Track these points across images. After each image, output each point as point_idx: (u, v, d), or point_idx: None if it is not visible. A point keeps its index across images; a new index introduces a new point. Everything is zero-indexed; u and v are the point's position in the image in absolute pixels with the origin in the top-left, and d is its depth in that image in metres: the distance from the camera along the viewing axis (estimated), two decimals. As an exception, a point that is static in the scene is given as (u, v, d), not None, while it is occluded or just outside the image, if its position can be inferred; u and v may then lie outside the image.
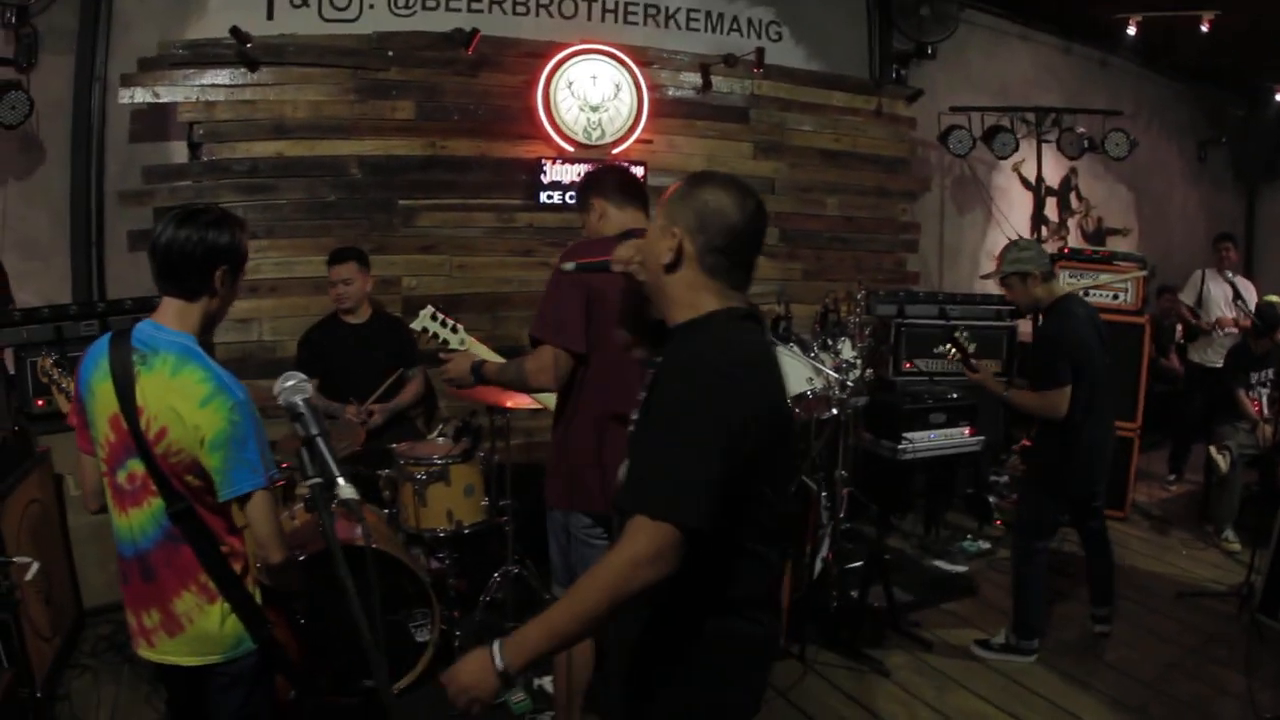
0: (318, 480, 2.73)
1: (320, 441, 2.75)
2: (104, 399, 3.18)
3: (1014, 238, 10.90)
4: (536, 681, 5.58)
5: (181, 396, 3.09)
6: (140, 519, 3.22)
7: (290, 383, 2.83)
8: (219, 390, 3.10)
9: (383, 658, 2.68)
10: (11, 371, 6.39)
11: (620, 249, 3.06)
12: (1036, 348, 6.14)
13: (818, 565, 6.58)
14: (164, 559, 3.23)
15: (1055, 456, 5.98)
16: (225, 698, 3.34)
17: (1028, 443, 7.50)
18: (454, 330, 5.21)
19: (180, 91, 7.18)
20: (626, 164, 8.07)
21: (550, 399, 4.77)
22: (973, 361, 6.33)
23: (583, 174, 5.23)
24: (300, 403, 2.79)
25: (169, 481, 3.14)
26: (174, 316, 3.24)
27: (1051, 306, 5.94)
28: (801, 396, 6.04)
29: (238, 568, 3.30)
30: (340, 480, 2.70)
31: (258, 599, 3.35)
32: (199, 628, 3.24)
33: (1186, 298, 10.54)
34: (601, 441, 4.46)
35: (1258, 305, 9.28)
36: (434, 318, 5.12)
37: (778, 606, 3.21)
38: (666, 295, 2.82)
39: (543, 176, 8.23)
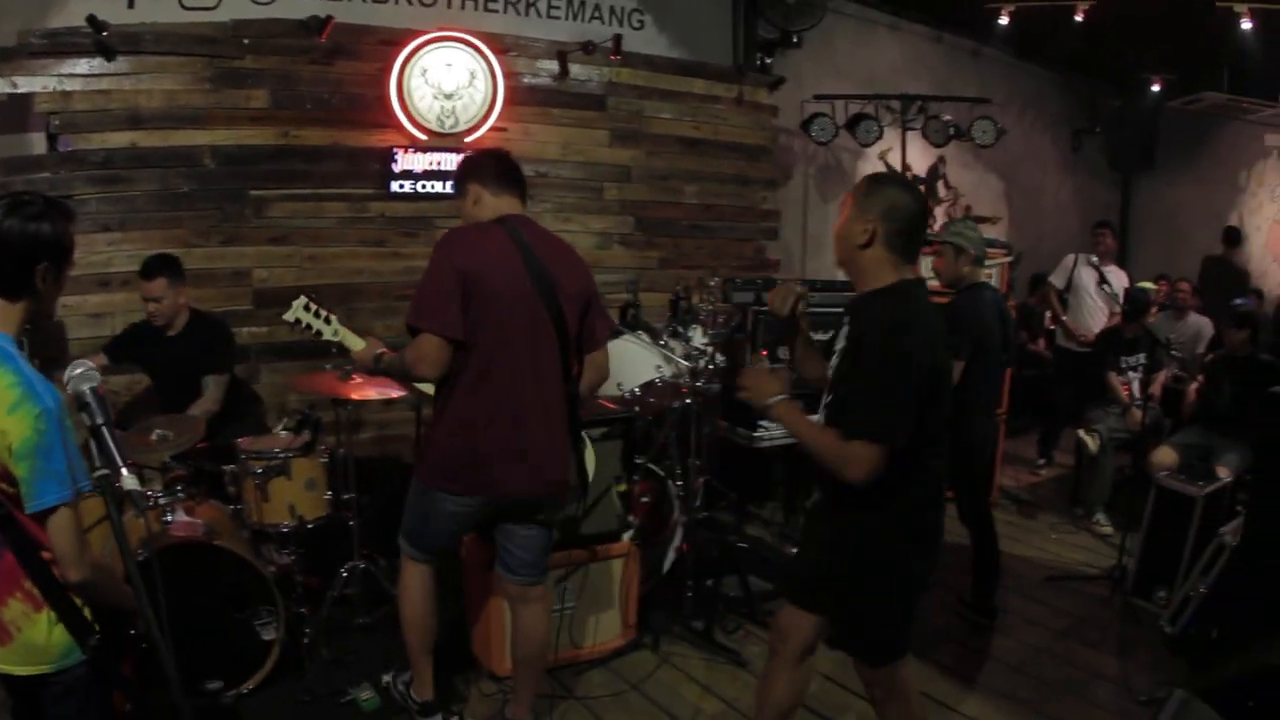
0: (104, 471, 2.81)
1: (105, 431, 2.83)
2: None
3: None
4: (385, 679, 5.56)
5: None
6: None
7: (78, 370, 2.90)
8: (26, 396, 2.96)
9: (170, 656, 2.76)
10: None
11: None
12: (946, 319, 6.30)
13: (670, 556, 6.72)
14: None
15: None
16: (59, 709, 3.27)
17: None
18: (326, 321, 5.05)
19: (39, 81, 7.17)
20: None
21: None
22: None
23: (461, 160, 5.25)
24: (87, 391, 2.87)
25: None
26: None
27: (969, 287, 6.31)
28: (650, 384, 6.30)
29: None
30: (125, 471, 2.79)
31: (85, 610, 3.24)
32: (27, 636, 3.15)
33: (1057, 281, 10.80)
34: (482, 429, 4.45)
35: (1128, 291, 9.63)
36: (307, 308, 5.02)
37: (943, 505, 4.05)
38: (859, 267, 3.87)
39: (395, 165, 8.36)
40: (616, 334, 6.15)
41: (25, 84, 7.14)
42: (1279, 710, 4.35)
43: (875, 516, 3.79)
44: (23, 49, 7.09)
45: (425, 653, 4.99)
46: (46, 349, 6.65)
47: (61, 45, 7.19)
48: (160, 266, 6.49)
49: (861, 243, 3.77)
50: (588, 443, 5.20)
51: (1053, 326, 11.21)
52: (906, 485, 3.74)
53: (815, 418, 4.01)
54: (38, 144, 7.36)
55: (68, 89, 7.25)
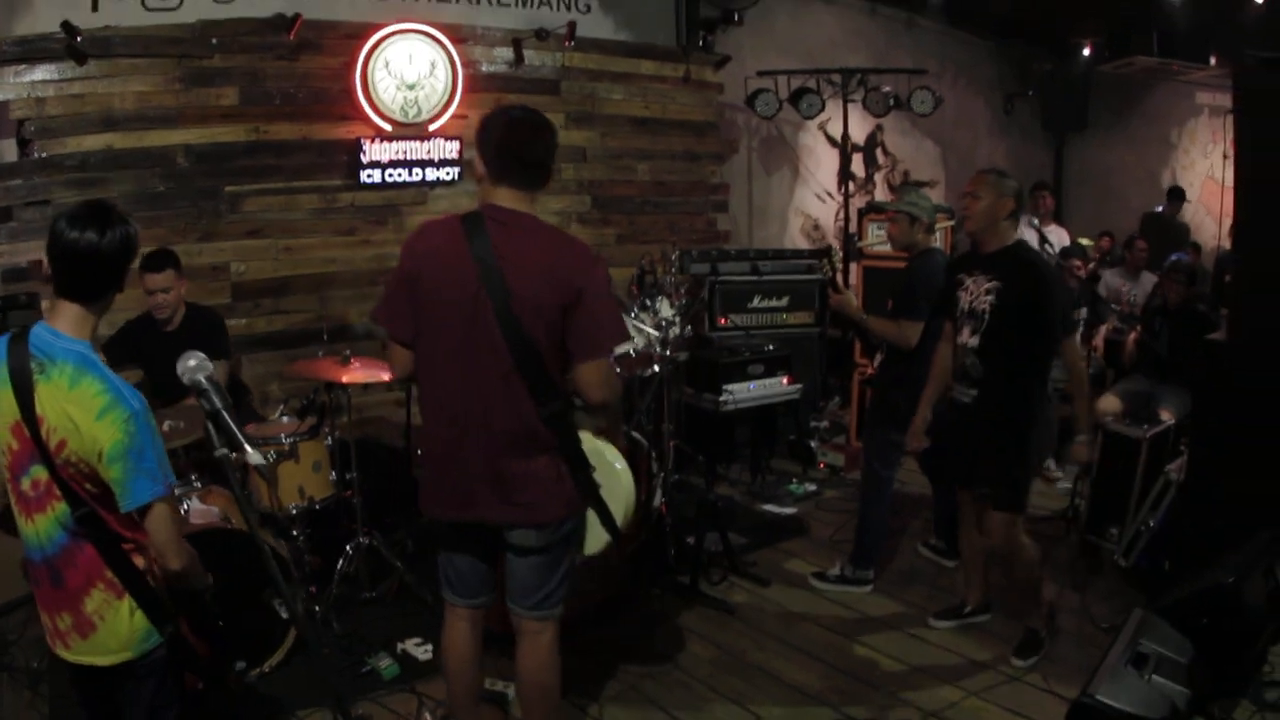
0: (225, 451, 3.09)
1: (225, 415, 3.12)
2: (5, 406, 3.18)
3: (820, 194, 11.67)
4: (400, 646, 5.89)
5: (79, 408, 3.10)
6: (45, 524, 3.26)
7: (193, 362, 3.17)
8: (116, 402, 3.11)
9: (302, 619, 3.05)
10: None
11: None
12: (902, 283, 6.58)
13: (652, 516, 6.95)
14: (70, 560, 3.29)
15: (898, 386, 6.48)
16: (137, 691, 3.42)
17: (870, 371, 8.08)
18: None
19: (12, 89, 7.25)
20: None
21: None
22: (839, 283, 6.73)
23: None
24: (204, 380, 3.15)
25: (71, 487, 3.18)
26: (71, 323, 3.24)
27: (922, 252, 6.61)
28: (625, 356, 6.48)
29: (141, 563, 3.35)
30: (249, 449, 3.07)
31: (162, 596, 3.40)
32: (109, 626, 3.30)
33: None
34: (435, 445, 4.27)
35: (1065, 248, 10.11)
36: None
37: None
38: (998, 233, 5.52)
39: (363, 156, 8.64)
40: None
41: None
42: (1225, 622, 4.84)
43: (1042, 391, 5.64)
44: None
45: (468, 709, 4.63)
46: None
47: (33, 51, 7.26)
48: (166, 258, 6.65)
49: (1005, 216, 5.51)
50: (615, 468, 4.57)
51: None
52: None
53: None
54: (8, 151, 7.45)
55: (41, 95, 7.35)
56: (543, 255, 3.95)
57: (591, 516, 4.34)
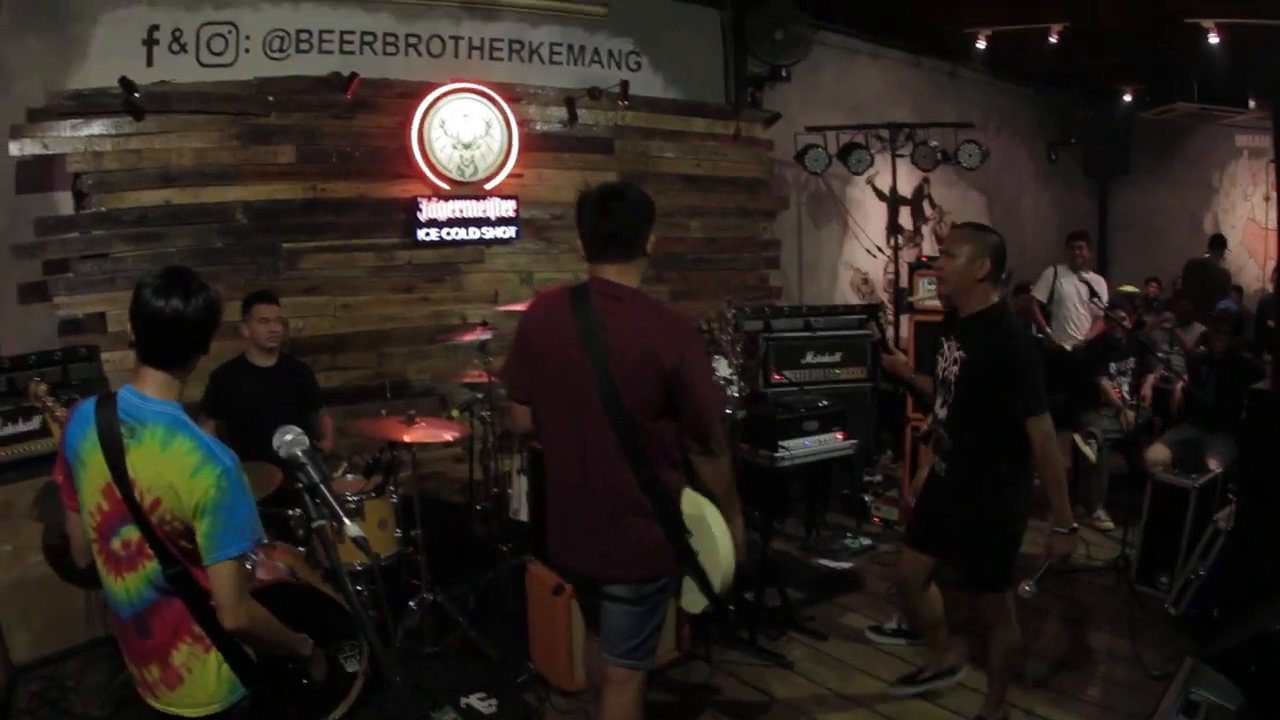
0: (322, 523, 3.11)
1: (324, 488, 3.11)
2: (95, 469, 3.20)
3: (870, 248, 11.66)
4: (465, 700, 5.89)
5: (173, 469, 3.13)
6: (136, 582, 3.27)
7: (289, 436, 3.15)
8: (207, 459, 3.14)
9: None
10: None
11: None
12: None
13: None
14: (158, 615, 3.30)
15: None
16: None
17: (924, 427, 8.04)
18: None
19: (69, 143, 7.31)
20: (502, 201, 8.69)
21: None
22: (888, 344, 6.60)
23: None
24: (300, 454, 3.13)
25: (164, 546, 3.20)
26: (158, 388, 3.27)
27: None
28: None
29: None
30: (348, 522, 3.07)
31: (249, 651, 3.44)
32: (196, 679, 3.34)
33: (1040, 294, 11.12)
34: (548, 494, 4.40)
35: (1112, 298, 10.07)
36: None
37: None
38: (974, 295, 5.06)
39: (420, 214, 8.68)
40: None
41: (55, 145, 7.29)
42: (1275, 669, 4.77)
43: (1020, 471, 5.06)
44: (52, 110, 7.25)
45: None
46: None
47: (91, 106, 7.35)
48: (271, 293, 7.00)
49: (980, 276, 5.02)
50: (715, 537, 4.37)
51: (1040, 335, 11.37)
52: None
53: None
54: (63, 203, 7.54)
55: (98, 149, 7.42)
56: (640, 328, 4.04)
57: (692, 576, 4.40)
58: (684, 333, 4.15)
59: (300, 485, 3.16)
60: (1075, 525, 4.98)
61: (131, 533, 3.22)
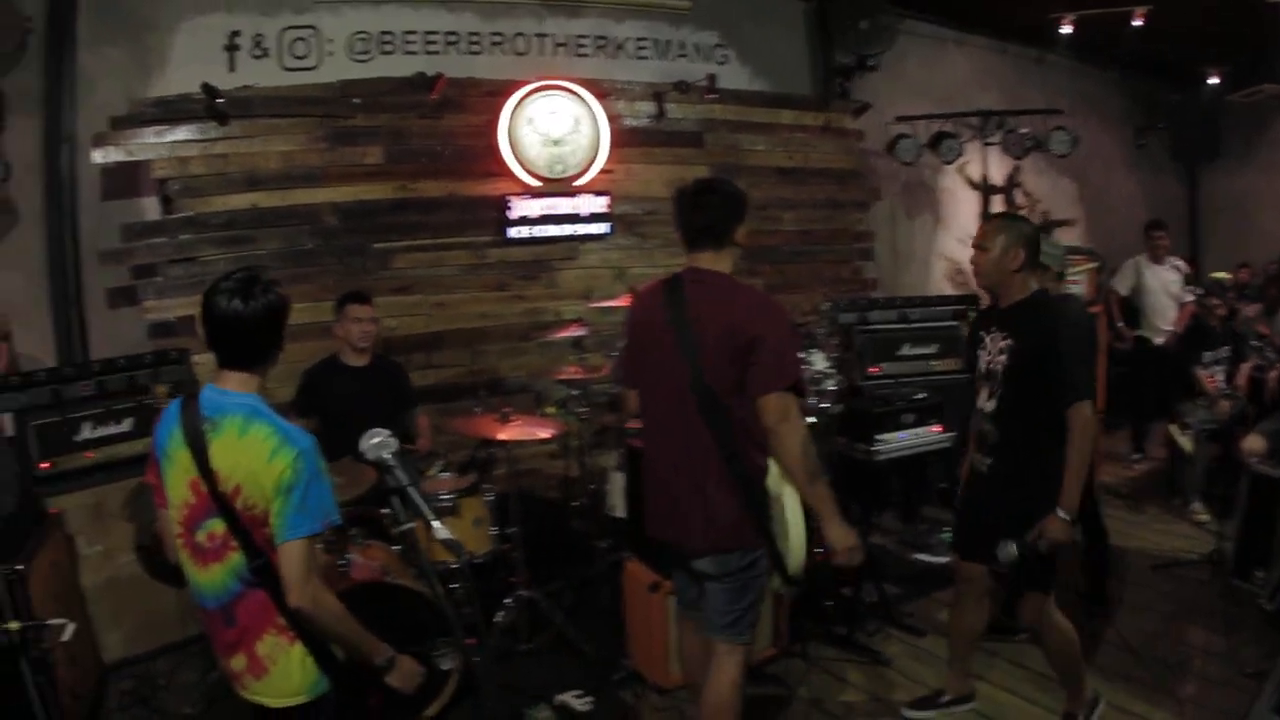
0: (411, 525, 3.12)
1: (413, 491, 3.12)
2: (181, 464, 3.33)
3: (962, 238, 11.46)
4: (559, 698, 5.87)
5: (251, 454, 3.24)
6: (221, 574, 3.36)
7: (376, 439, 3.22)
8: (284, 442, 3.24)
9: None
10: (11, 434, 6.37)
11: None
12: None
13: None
14: (244, 606, 3.39)
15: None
16: None
17: None
18: None
19: (153, 149, 7.40)
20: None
21: None
22: None
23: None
24: (388, 457, 3.18)
25: (250, 536, 3.29)
26: (237, 383, 3.39)
27: (1060, 298, 6.33)
28: None
29: None
30: (437, 524, 3.09)
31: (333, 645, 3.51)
32: (281, 669, 3.42)
33: (1120, 287, 10.86)
34: (646, 475, 4.69)
35: (1206, 288, 9.82)
36: None
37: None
38: (1013, 285, 4.97)
39: (510, 213, 8.63)
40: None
41: (140, 151, 7.41)
42: None
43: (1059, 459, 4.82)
44: (135, 117, 7.36)
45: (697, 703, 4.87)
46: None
47: (173, 112, 7.44)
48: (365, 293, 7.05)
49: (1015, 267, 4.91)
50: (787, 518, 4.63)
51: (1120, 324, 10.96)
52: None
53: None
54: (150, 209, 7.68)
55: (183, 155, 7.49)
56: (722, 305, 4.33)
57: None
58: (766, 309, 4.37)
59: (390, 487, 3.28)
60: (1076, 519, 4.87)
61: (217, 525, 3.33)
